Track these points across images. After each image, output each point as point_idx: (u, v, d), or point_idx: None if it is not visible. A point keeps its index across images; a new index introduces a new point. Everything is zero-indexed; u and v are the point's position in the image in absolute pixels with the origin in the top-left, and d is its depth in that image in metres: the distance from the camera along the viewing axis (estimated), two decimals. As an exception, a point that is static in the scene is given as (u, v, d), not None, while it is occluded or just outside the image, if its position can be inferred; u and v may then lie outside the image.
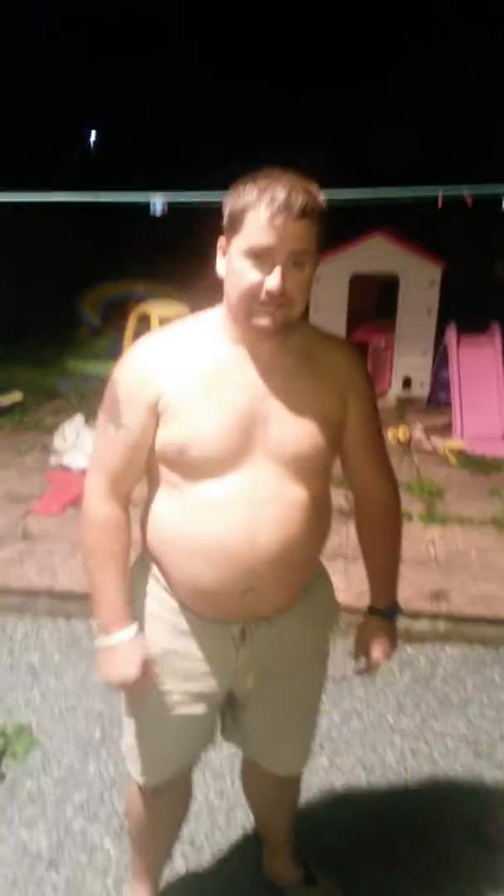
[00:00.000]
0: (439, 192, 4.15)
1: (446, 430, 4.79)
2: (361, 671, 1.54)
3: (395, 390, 5.57)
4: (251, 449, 1.24)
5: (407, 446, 4.59)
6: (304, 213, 1.15)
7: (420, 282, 5.39)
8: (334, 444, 1.32)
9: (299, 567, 1.34)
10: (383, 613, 1.50)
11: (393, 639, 1.51)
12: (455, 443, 4.50)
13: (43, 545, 3.28)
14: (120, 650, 1.34)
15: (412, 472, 4.18)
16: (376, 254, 5.42)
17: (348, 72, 9.18)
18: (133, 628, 1.35)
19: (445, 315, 5.36)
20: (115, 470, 1.31)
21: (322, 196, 1.21)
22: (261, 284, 1.17)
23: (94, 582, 1.35)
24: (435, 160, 7.19)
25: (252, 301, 1.18)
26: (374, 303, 6.32)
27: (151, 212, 4.35)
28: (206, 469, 1.24)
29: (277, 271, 1.16)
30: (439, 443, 4.51)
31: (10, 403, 5.10)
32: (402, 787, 2.13)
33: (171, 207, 4.34)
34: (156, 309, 5.03)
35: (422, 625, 2.81)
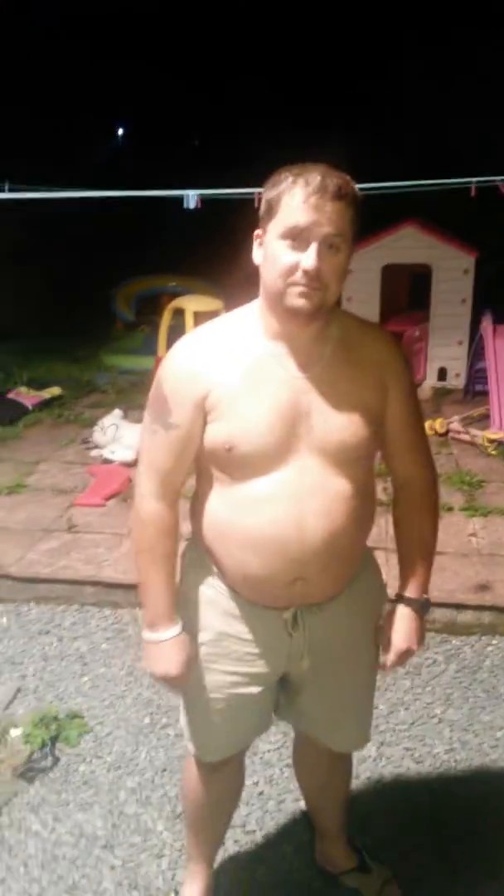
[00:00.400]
0: (472, 182, 4.11)
1: (484, 420, 4.75)
2: (382, 667, 1.49)
3: (430, 381, 5.53)
4: (296, 442, 1.26)
5: (444, 437, 4.56)
6: (339, 194, 1.17)
7: (453, 271, 5.34)
8: (376, 433, 1.33)
9: (347, 556, 1.36)
10: (413, 604, 1.46)
11: (417, 633, 1.46)
12: (493, 434, 4.46)
13: (87, 536, 3.33)
14: (164, 647, 1.39)
15: (451, 463, 4.15)
16: (409, 244, 5.38)
17: (379, 57, 9.10)
18: (177, 628, 1.40)
19: (479, 305, 5.31)
20: (164, 469, 1.34)
21: (356, 187, 1.23)
22: (297, 265, 1.19)
23: (143, 579, 1.40)
24: (468, 148, 7.11)
25: (288, 282, 1.20)
26: (408, 293, 6.28)
27: (185, 205, 4.37)
28: (254, 465, 1.26)
29: (313, 249, 1.17)
30: (477, 433, 4.47)
31: (49, 397, 5.18)
32: (453, 778, 2.13)
33: (205, 201, 4.35)
34: (190, 303, 5.06)
35: (466, 616, 2.80)
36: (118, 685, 2.55)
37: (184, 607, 1.44)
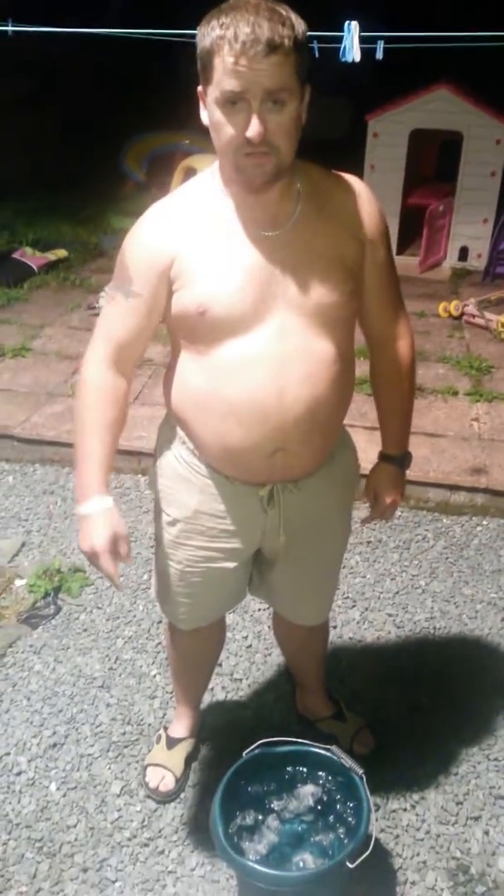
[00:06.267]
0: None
1: (501, 304, 4.61)
2: (368, 519, 1.61)
3: (450, 261, 5.32)
4: (272, 303, 1.23)
5: (458, 320, 4.45)
6: (273, 46, 1.05)
7: (486, 141, 4.99)
8: (355, 290, 1.28)
9: (326, 426, 1.35)
10: (395, 460, 1.54)
11: (402, 487, 1.57)
12: (508, 319, 4.35)
13: (91, 402, 3.35)
14: (92, 520, 1.30)
15: (462, 347, 4.08)
16: (440, 107, 4.97)
17: None
18: (107, 501, 1.31)
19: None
20: (122, 339, 1.31)
21: (299, 23, 1.10)
22: (241, 135, 1.11)
23: (79, 447, 1.33)
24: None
25: (236, 154, 1.13)
26: (435, 163, 5.91)
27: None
28: (229, 327, 1.23)
29: (254, 117, 1.09)
30: (492, 318, 4.36)
31: (55, 259, 5.03)
32: (430, 642, 2.26)
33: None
34: (202, 163, 4.78)
35: (459, 497, 2.86)
36: (118, 545, 2.65)
37: (159, 485, 1.46)
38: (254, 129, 1.09)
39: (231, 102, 1.10)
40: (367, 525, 1.62)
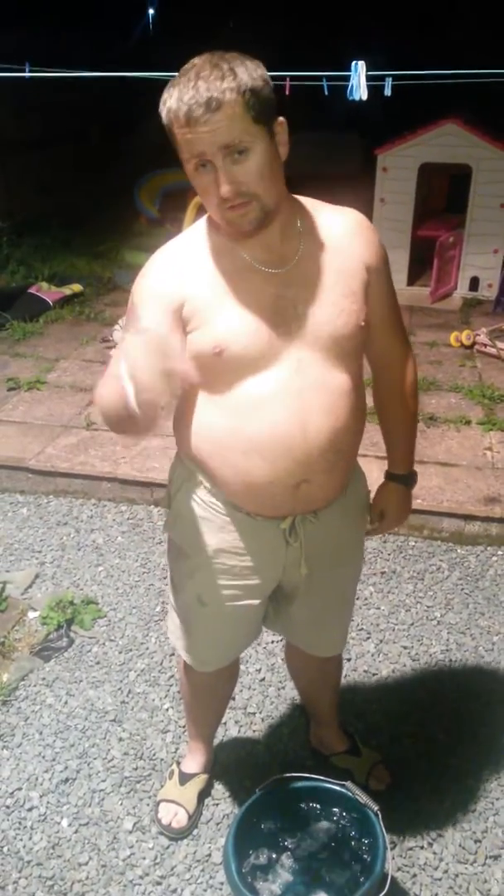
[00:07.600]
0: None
1: (512, 334, 4.62)
2: (371, 532, 1.63)
3: (461, 291, 5.36)
4: (288, 338, 1.24)
5: (469, 350, 4.46)
6: (213, 105, 1.06)
7: (495, 173, 5.06)
8: (366, 319, 1.31)
9: (348, 455, 1.37)
10: (401, 479, 1.57)
11: (408, 504, 1.60)
12: (520, 348, 4.35)
13: (105, 434, 3.38)
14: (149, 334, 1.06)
15: (473, 376, 4.08)
16: (449, 142, 5.07)
17: None
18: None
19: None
20: None
21: (245, 69, 1.08)
22: (217, 194, 1.14)
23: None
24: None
25: (221, 211, 1.16)
26: (445, 196, 5.99)
27: None
28: (247, 365, 1.24)
29: (221, 177, 1.12)
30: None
31: (70, 294, 5.12)
32: (447, 675, 2.22)
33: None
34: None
35: (474, 527, 2.84)
36: (132, 576, 2.65)
37: (179, 526, 1.45)
38: (223, 188, 1.12)
39: (200, 166, 1.13)
40: (367, 537, 1.64)
